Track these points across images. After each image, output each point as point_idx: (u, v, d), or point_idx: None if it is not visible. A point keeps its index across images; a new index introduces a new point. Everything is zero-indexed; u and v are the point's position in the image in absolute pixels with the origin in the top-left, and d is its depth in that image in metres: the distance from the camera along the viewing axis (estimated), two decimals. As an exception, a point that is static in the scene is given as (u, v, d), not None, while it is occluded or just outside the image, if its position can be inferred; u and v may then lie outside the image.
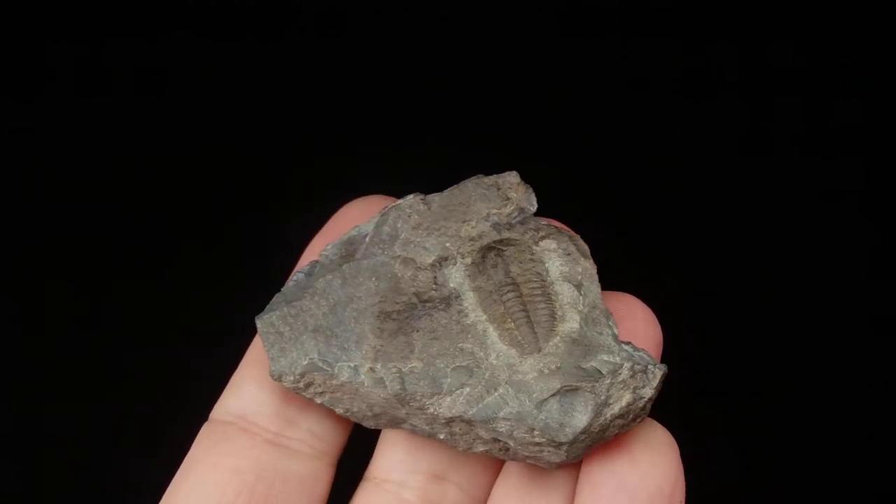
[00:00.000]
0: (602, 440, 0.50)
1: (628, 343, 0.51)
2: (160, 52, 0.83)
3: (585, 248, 0.53)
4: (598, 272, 0.52)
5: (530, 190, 0.54)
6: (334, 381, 0.51)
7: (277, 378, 0.51)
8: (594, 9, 0.83)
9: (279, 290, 0.54)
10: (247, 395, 0.52)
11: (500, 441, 0.50)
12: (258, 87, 0.83)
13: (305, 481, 0.51)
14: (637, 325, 0.53)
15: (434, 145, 0.81)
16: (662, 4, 0.82)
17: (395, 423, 0.52)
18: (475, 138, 0.81)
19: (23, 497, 0.78)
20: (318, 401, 0.51)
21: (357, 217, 0.55)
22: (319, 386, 0.51)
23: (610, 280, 0.53)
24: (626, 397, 0.49)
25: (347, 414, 0.52)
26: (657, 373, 0.50)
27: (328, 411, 0.52)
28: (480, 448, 0.51)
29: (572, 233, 0.53)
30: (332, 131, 0.82)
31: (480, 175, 0.55)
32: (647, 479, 0.48)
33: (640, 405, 0.50)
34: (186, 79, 0.83)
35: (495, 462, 0.53)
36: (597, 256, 0.52)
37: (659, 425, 0.50)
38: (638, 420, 0.50)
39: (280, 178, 0.81)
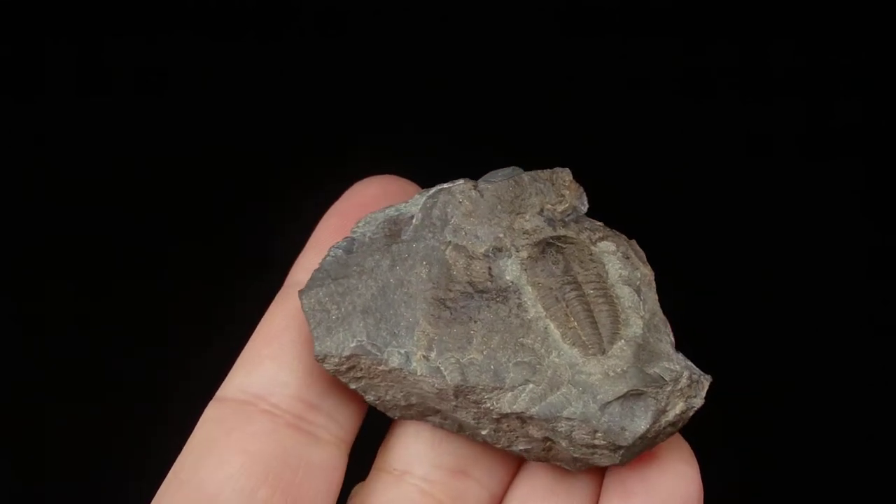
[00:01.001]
0: (652, 446, 0.50)
1: (679, 352, 0.51)
2: (160, 52, 0.82)
3: (642, 253, 0.53)
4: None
5: (581, 189, 0.53)
6: (381, 367, 0.49)
7: (322, 359, 0.49)
8: (594, 9, 0.82)
9: (279, 289, 0.53)
10: (266, 374, 0.49)
11: (549, 440, 0.50)
12: (258, 86, 0.83)
13: (326, 469, 0.49)
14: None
15: (434, 145, 0.81)
16: (662, 4, 0.82)
17: (423, 416, 0.51)
18: (475, 138, 0.81)
19: (22, 497, 0.78)
20: (353, 386, 0.50)
21: (372, 195, 0.54)
22: (361, 370, 0.50)
23: None
24: (680, 406, 0.49)
25: (377, 402, 0.51)
26: (705, 383, 0.50)
27: (348, 395, 0.50)
28: (522, 446, 0.50)
29: (627, 237, 0.53)
30: (333, 131, 0.82)
31: (516, 168, 0.54)
32: (677, 487, 0.49)
33: (689, 414, 0.50)
34: (186, 78, 0.83)
35: (515, 460, 0.53)
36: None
37: (679, 435, 0.50)
38: (679, 427, 0.50)
39: (280, 178, 0.81)
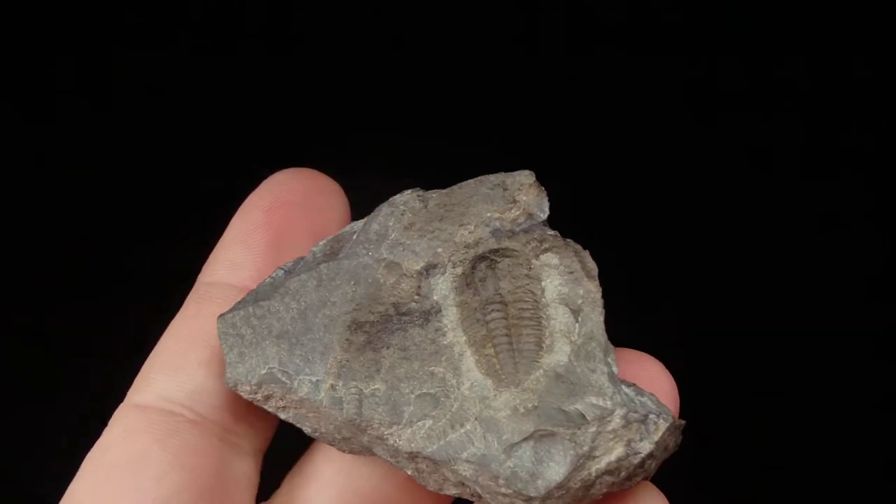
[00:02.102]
0: (588, 499, 0.42)
1: (632, 385, 0.44)
2: (156, 58, 0.82)
3: (593, 267, 0.45)
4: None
5: (544, 194, 0.47)
6: (293, 396, 0.45)
7: (233, 386, 0.45)
8: (599, 24, 0.82)
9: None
10: (192, 382, 0.46)
11: (466, 487, 0.44)
12: (256, 88, 0.82)
13: (248, 480, 0.47)
14: (649, 386, 0.45)
15: (436, 145, 0.80)
16: (670, 19, 0.81)
17: (368, 450, 0.45)
18: (476, 138, 0.80)
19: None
20: (283, 416, 0.45)
21: (287, 189, 0.49)
22: (280, 399, 0.45)
23: (607, 288, 0.46)
24: (618, 451, 0.42)
25: (316, 435, 0.46)
26: (660, 424, 0.42)
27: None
28: (452, 490, 0.44)
29: (580, 248, 0.46)
30: (332, 130, 0.81)
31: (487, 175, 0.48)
32: None
33: (637, 461, 0.42)
34: (184, 82, 0.82)
35: None
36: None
37: (652, 487, 0.44)
38: (636, 479, 0.43)
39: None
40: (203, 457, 0.45)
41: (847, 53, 0.79)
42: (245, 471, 0.47)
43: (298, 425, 0.46)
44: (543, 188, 0.47)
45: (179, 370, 0.46)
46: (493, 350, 0.44)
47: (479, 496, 0.43)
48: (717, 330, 0.76)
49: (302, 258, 0.48)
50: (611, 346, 0.44)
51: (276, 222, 0.49)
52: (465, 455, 0.43)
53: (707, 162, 0.79)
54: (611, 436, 0.42)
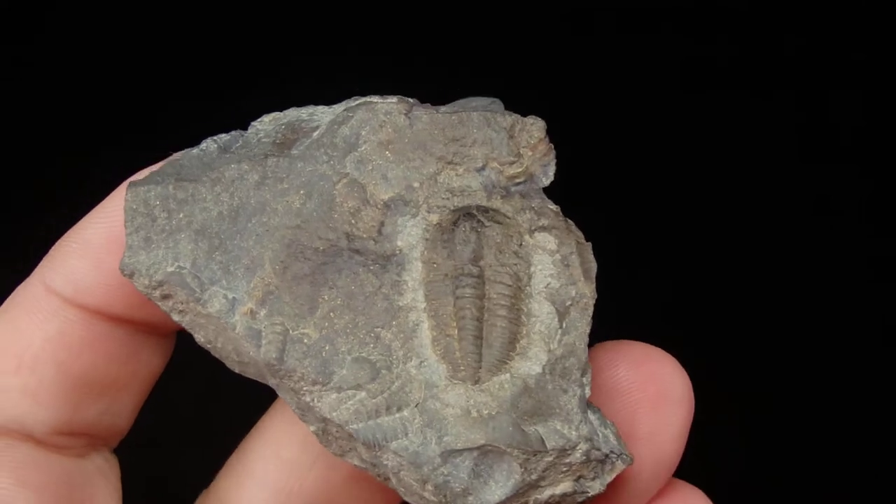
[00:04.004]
0: None
1: (597, 411, 0.38)
2: None
3: (593, 266, 0.38)
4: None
5: (552, 154, 0.39)
6: (199, 309, 0.37)
7: (129, 274, 0.37)
8: (596, 7, 0.80)
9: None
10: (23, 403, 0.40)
11: (377, 470, 0.38)
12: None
13: (107, 478, 0.42)
14: (663, 386, 0.40)
15: (437, 72, 0.76)
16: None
17: (265, 380, 0.38)
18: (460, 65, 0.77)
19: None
20: (176, 318, 0.38)
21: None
22: (181, 304, 0.38)
23: (606, 285, 0.41)
24: (565, 485, 0.37)
25: (209, 346, 0.38)
26: (617, 466, 0.37)
27: (118, 390, 0.40)
28: (356, 462, 0.38)
29: (582, 238, 0.39)
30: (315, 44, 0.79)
31: (497, 102, 0.40)
32: None
33: (580, 500, 0.37)
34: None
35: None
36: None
37: (693, 487, 0.41)
38: None
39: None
40: (46, 472, 0.40)
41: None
42: (98, 464, 0.42)
43: (190, 331, 0.38)
44: (553, 148, 0.39)
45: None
46: (455, 332, 0.37)
47: (387, 480, 0.38)
48: (715, 313, 0.75)
49: (240, 133, 0.40)
50: (588, 366, 0.38)
51: None
52: (394, 445, 0.36)
53: (702, 148, 0.78)
54: (564, 468, 0.37)
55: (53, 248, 0.40)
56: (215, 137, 0.40)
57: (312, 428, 0.38)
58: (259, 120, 0.40)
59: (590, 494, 0.37)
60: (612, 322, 0.42)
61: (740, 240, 0.77)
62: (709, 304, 0.76)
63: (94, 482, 0.41)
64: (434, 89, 0.43)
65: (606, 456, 0.37)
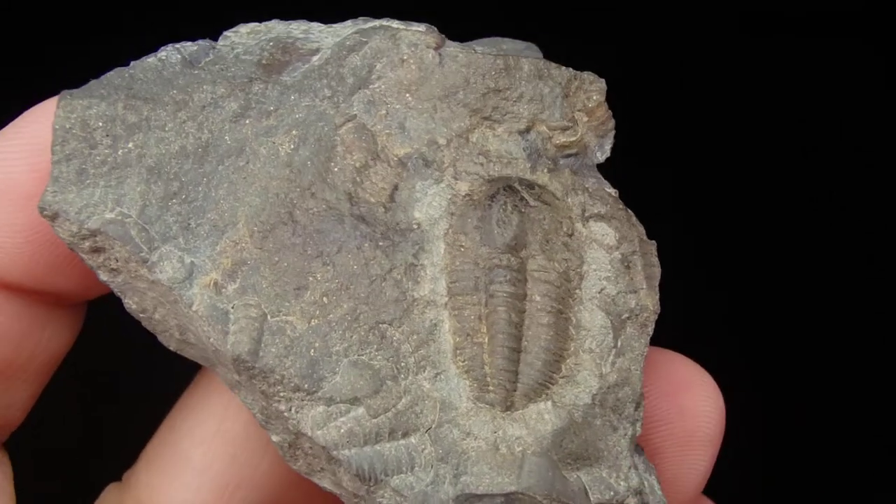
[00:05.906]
0: None
1: (641, 452, 0.31)
2: None
3: (656, 269, 0.31)
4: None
5: (611, 123, 0.32)
6: (143, 273, 0.29)
7: (51, 216, 0.29)
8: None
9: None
10: None
11: (347, 490, 0.30)
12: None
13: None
14: (694, 401, 0.35)
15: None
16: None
17: (208, 363, 0.31)
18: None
19: None
20: (103, 278, 0.30)
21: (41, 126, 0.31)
22: (116, 261, 0.30)
23: None
24: None
25: (141, 315, 0.31)
26: None
27: (9, 378, 0.33)
28: (326, 484, 0.30)
29: (644, 234, 0.31)
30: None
31: (532, 47, 0.33)
32: None
33: None
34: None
35: None
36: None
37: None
38: None
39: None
40: None
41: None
42: None
43: (119, 294, 0.30)
44: (611, 115, 0.32)
45: None
46: (485, 340, 0.29)
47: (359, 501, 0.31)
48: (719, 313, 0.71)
49: (210, 44, 0.32)
50: (642, 397, 0.31)
51: None
52: (395, 481, 0.29)
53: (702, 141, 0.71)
54: None
55: None
56: (178, 45, 0.31)
57: (276, 438, 0.30)
58: (234, 30, 0.32)
59: None
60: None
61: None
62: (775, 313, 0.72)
63: None
64: (448, 25, 0.33)
65: None
